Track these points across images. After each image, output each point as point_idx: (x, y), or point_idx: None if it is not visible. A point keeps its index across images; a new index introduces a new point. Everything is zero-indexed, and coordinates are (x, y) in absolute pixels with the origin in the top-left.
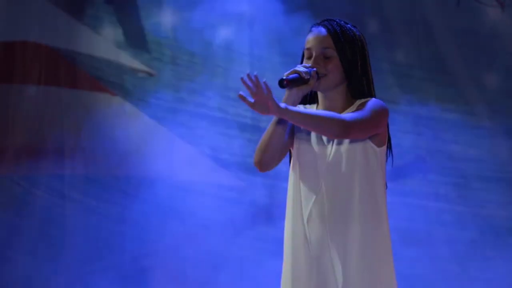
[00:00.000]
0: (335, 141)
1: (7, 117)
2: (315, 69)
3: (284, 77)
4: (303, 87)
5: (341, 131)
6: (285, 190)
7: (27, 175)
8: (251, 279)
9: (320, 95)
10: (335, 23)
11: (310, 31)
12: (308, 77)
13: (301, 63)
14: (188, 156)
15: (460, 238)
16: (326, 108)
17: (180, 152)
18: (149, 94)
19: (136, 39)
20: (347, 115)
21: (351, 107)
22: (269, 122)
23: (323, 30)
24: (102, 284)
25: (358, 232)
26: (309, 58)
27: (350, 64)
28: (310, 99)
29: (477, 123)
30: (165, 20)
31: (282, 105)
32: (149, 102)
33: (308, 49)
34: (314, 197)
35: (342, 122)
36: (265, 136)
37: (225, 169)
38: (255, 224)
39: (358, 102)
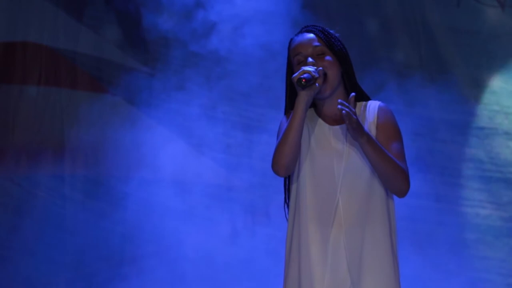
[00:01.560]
0: (350, 144)
1: (7, 117)
2: (321, 68)
3: (302, 77)
4: (313, 87)
5: (405, 190)
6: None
7: (27, 175)
8: (251, 279)
9: (319, 102)
10: (312, 26)
11: (292, 42)
12: (317, 75)
13: (288, 76)
14: (188, 156)
15: (460, 238)
16: (326, 114)
17: (180, 152)
18: (149, 94)
19: (136, 39)
20: (403, 165)
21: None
22: (266, 123)
23: (306, 34)
24: (102, 284)
25: (374, 233)
26: (301, 63)
27: (343, 56)
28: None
29: (477, 123)
30: (165, 19)
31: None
32: (149, 102)
33: (298, 54)
34: (332, 199)
35: (407, 179)
36: (289, 140)
37: (225, 169)
38: (255, 224)
39: (360, 105)
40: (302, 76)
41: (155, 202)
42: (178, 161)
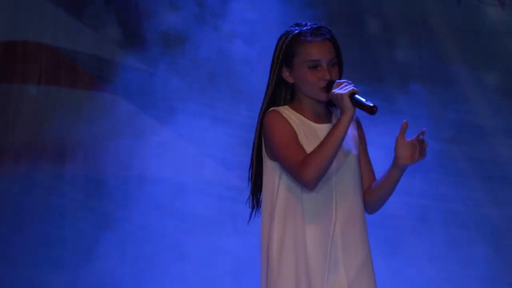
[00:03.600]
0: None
1: (7, 117)
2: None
3: (372, 105)
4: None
5: None
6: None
7: (27, 175)
8: (251, 279)
9: (308, 101)
10: (328, 30)
11: (304, 38)
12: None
13: (277, 67)
14: (188, 155)
15: (460, 238)
16: (310, 113)
17: (180, 152)
18: (149, 93)
19: (136, 39)
20: None
21: (334, 117)
22: None
23: (325, 40)
24: (102, 283)
25: (361, 231)
26: (314, 67)
27: (342, 64)
28: (276, 98)
29: (477, 123)
30: (165, 19)
31: None
32: (150, 102)
33: (314, 60)
34: (329, 197)
35: None
36: (329, 155)
37: (225, 169)
38: (255, 224)
39: (336, 112)
40: (370, 104)
41: (155, 202)
42: (178, 161)
